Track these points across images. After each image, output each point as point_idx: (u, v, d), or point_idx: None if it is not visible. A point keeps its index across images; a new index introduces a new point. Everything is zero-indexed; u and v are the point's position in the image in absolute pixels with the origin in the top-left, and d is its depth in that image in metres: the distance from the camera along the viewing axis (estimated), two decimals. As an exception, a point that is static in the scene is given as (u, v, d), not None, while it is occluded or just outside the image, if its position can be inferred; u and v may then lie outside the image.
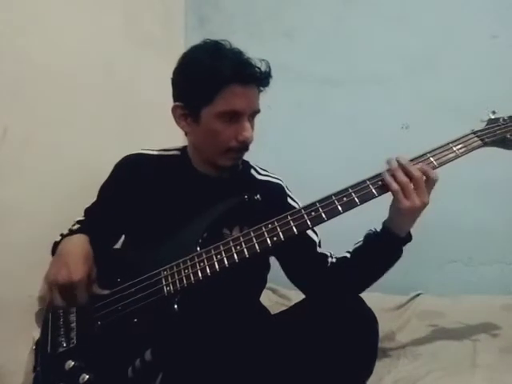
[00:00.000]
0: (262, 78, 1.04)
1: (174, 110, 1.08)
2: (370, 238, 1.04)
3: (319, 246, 1.12)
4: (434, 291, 1.72)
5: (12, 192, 1.30)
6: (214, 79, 0.99)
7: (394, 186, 0.93)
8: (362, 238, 1.07)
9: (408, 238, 1.01)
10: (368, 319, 1.00)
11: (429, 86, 1.80)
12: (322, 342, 0.97)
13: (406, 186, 0.92)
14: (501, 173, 1.72)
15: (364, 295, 1.05)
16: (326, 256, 1.10)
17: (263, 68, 1.03)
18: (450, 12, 1.78)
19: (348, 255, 1.07)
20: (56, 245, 1.09)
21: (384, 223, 1.01)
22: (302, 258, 1.10)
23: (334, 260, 1.10)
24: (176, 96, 1.08)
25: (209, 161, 1.10)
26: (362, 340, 0.98)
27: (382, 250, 1.01)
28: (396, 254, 1.02)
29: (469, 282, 1.79)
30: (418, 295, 1.70)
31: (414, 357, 1.31)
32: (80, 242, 1.05)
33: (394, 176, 0.94)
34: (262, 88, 1.06)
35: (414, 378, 1.17)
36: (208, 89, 1.00)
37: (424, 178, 0.93)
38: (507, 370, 1.17)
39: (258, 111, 1.07)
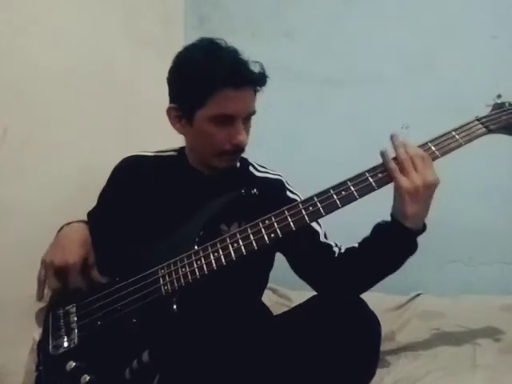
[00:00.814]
0: (256, 80, 1.02)
1: (168, 111, 1.08)
2: (378, 228, 0.99)
3: (325, 238, 1.10)
4: (434, 291, 1.72)
5: (12, 192, 1.30)
6: (206, 83, 0.98)
7: (391, 164, 0.91)
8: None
9: (420, 229, 0.94)
10: (370, 321, 1.00)
11: (429, 85, 1.80)
12: (324, 343, 0.96)
13: (404, 162, 0.90)
14: (501, 173, 1.72)
15: (364, 295, 1.04)
16: (330, 246, 1.08)
17: (257, 70, 1.01)
18: (450, 12, 1.78)
19: (356, 245, 1.04)
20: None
21: (391, 214, 0.97)
22: (305, 250, 1.07)
23: (343, 250, 1.07)
24: (171, 97, 1.08)
25: (204, 162, 1.10)
26: (365, 342, 0.97)
27: (389, 240, 0.95)
28: (404, 246, 0.95)
29: (469, 282, 1.79)
30: (418, 295, 1.69)
31: (414, 357, 1.30)
32: (78, 228, 1.07)
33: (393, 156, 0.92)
34: (258, 88, 1.05)
35: (414, 378, 1.17)
36: (201, 91, 0.99)
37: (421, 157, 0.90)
38: (507, 370, 1.17)
39: (253, 113, 1.06)
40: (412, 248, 0.96)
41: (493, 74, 1.70)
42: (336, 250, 1.08)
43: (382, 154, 0.92)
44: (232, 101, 0.99)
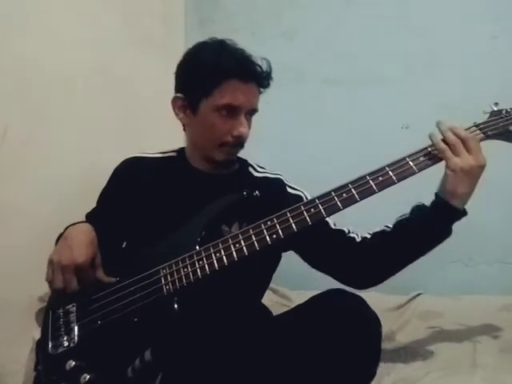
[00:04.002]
0: (262, 77, 1.05)
1: (173, 101, 1.10)
2: (419, 209, 1.01)
3: (335, 226, 1.10)
4: (434, 291, 1.71)
5: (12, 192, 1.30)
6: (215, 72, 1.01)
7: (442, 144, 0.93)
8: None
9: (461, 212, 0.98)
10: (371, 321, 0.99)
11: (429, 85, 1.80)
12: (325, 343, 0.95)
13: (456, 145, 0.92)
14: (501, 172, 1.71)
15: (364, 295, 1.04)
16: (343, 232, 1.09)
17: (264, 67, 1.05)
18: (450, 12, 1.78)
19: (387, 229, 1.05)
20: (61, 236, 1.10)
21: (436, 193, 0.99)
22: (318, 240, 1.07)
23: (366, 235, 1.07)
24: (177, 88, 1.10)
25: (204, 155, 1.11)
26: (365, 342, 0.97)
27: (433, 219, 0.97)
28: (446, 226, 0.98)
29: (469, 282, 1.78)
30: (418, 295, 1.69)
31: (413, 357, 1.30)
32: (85, 228, 1.06)
33: (443, 138, 0.94)
34: (262, 89, 1.08)
35: (413, 379, 1.17)
36: (209, 81, 1.02)
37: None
38: (507, 370, 1.17)
39: (255, 110, 1.08)
40: (449, 231, 0.99)
41: (493, 74, 1.70)
42: (353, 235, 1.08)
43: (431, 136, 0.95)
44: (238, 92, 1.02)
